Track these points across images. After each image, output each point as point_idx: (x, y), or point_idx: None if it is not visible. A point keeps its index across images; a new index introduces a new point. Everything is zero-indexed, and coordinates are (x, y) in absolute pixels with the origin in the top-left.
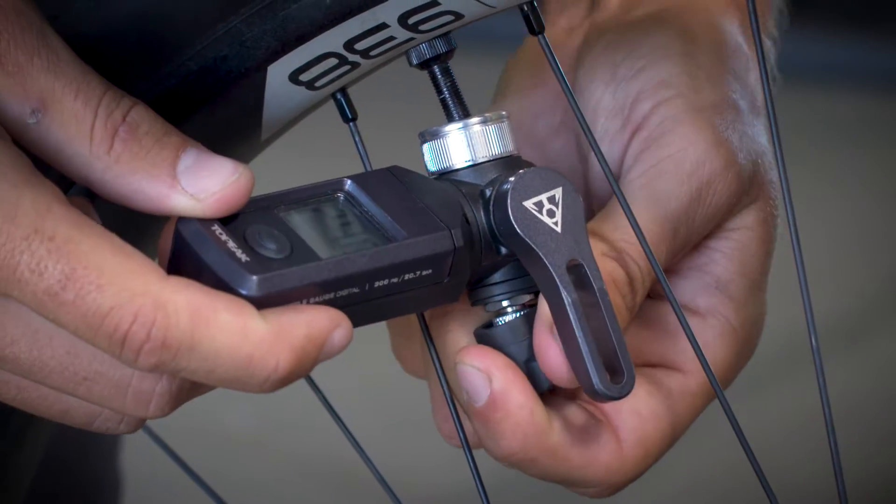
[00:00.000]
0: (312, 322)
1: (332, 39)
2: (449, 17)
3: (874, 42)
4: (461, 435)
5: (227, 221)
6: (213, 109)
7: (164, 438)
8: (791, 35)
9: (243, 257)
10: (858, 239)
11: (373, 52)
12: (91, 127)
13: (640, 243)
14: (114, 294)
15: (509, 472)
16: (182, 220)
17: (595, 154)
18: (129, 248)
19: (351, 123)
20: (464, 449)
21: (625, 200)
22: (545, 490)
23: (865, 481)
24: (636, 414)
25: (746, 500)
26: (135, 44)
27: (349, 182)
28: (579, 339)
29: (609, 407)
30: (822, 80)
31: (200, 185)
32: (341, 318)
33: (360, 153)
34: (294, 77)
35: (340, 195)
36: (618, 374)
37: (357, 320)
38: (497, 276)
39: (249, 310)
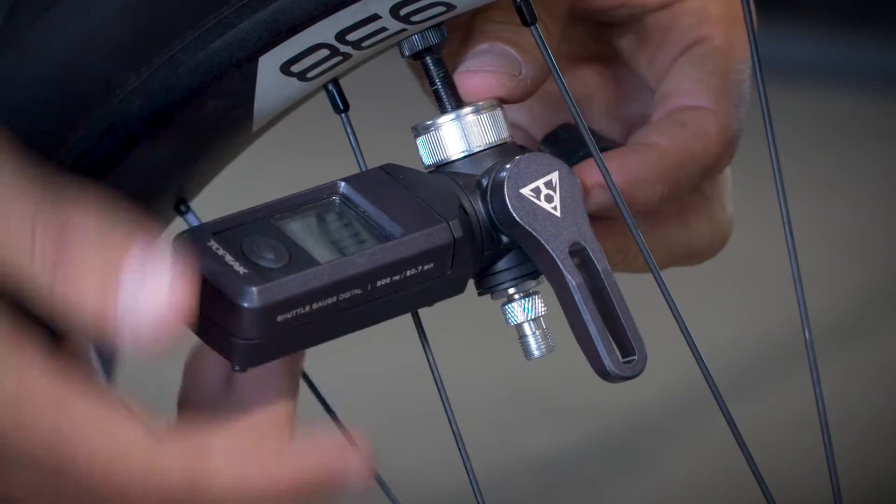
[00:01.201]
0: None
1: (324, 30)
2: (441, 9)
3: (870, 40)
4: (456, 435)
5: (223, 235)
6: (205, 101)
7: None
8: (788, 32)
9: (241, 270)
10: (855, 237)
11: (365, 44)
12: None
13: (620, 209)
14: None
15: (505, 472)
16: (178, 237)
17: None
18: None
19: (343, 115)
20: (459, 449)
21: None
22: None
23: (863, 480)
24: None
25: (743, 500)
26: (125, 34)
27: (343, 184)
28: (587, 322)
29: None
30: (817, 78)
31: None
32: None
33: (352, 145)
34: (285, 68)
35: (336, 198)
36: (629, 354)
37: (362, 321)
38: (501, 264)
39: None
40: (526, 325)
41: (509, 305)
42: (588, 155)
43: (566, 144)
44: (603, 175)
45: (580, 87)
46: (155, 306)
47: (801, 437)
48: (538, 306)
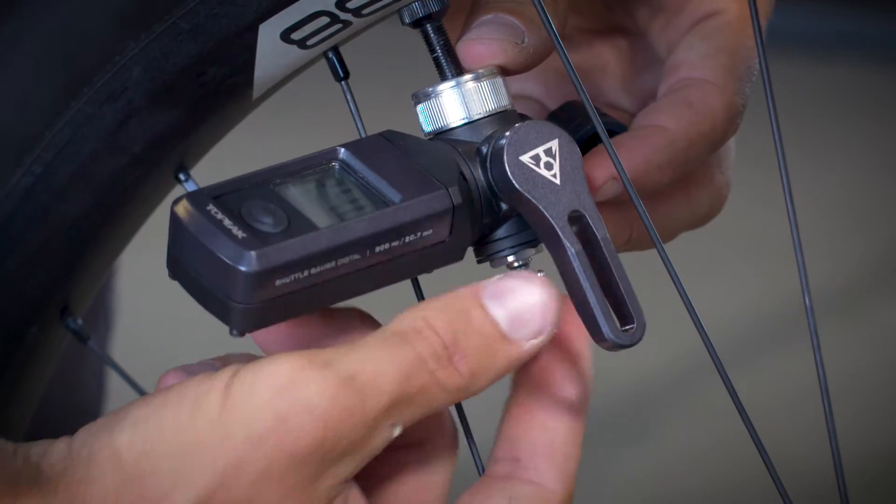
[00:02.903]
0: None
1: None
2: None
3: (871, 12)
4: (466, 431)
5: (222, 200)
6: (205, 68)
7: None
8: (789, 5)
9: (240, 234)
10: (856, 209)
11: (365, 11)
12: None
13: (626, 187)
14: None
15: None
16: (176, 201)
17: (592, 118)
18: None
19: (343, 82)
20: (459, 419)
21: (612, 149)
22: None
23: (864, 448)
24: None
25: (744, 469)
26: (126, 1)
27: (343, 150)
28: (586, 290)
29: None
30: (817, 48)
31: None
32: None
33: (352, 112)
34: (286, 36)
35: (335, 164)
36: (627, 322)
37: (362, 287)
38: (501, 232)
39: None
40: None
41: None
42: (593, 131)
43: (573, 121)
44: (615, 164)
45: (595, 59)
46: None
47: (802, 406)
48: None
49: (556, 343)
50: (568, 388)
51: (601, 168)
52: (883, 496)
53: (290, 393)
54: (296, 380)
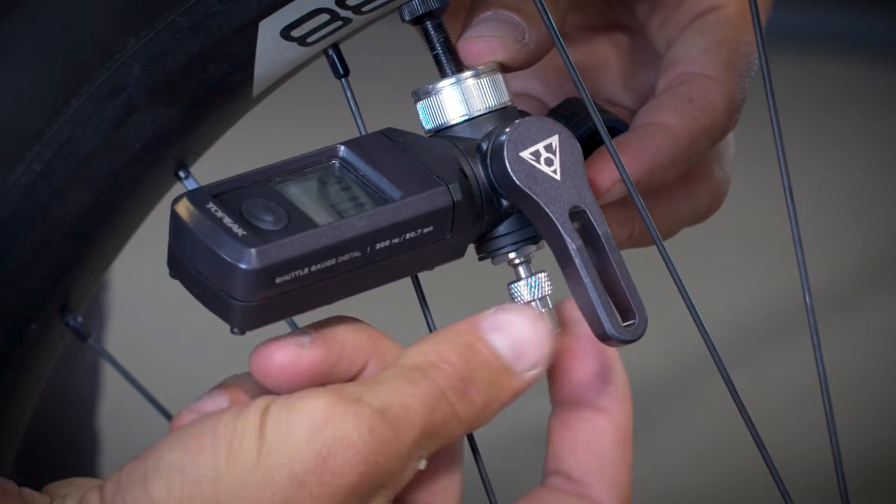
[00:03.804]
0: None
1: None
2: None
3: (870, 8)
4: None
5: (222, 198)
6: (205, 66)
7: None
8: (789, 0)
9: (240, 232)
10: (855, 206)
11: (365, 8)
12: None
13: (628, 188)
14: None
15: (503, 441)
16: (177, 200)
17: (592, 115)
18: None
19: (343, 80)
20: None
21: (614, 149)
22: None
23: (867, 449)
24: None
25: (744, 466)
26: (126, 0)
27: (343, 148)
28: (587, 286)
29: None
30: (817, 44)
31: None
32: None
33: (352, 110)
34: (286, 33)
35: (335, 162)
36: (629, 318)
37: (362, 284)
38: (502, 229)
39: None
40: (533, 305)
41: (516, 285)
42: (594, 128)
43: (573, 118)
44: (615, 162)
45: (595, 56)
46: None
47: (802, 404)
48: (545, 285)
49: (587, 354)
50: (605, 401)
51: (607, 172)
52: (884, 494)
53: (327, 430)
54: (331, 416)
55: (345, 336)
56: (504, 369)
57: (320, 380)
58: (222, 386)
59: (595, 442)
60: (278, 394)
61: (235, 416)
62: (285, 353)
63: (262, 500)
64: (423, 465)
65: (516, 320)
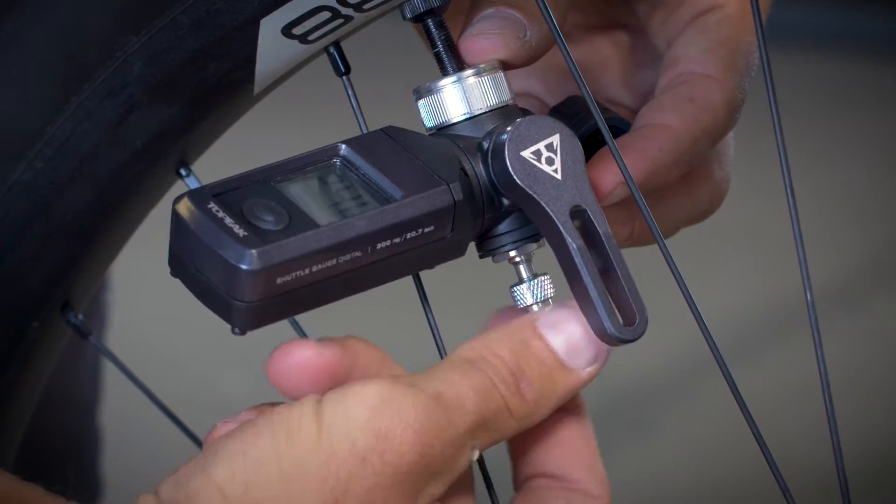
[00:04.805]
0: None
1: None
2: None
3: (871, 7)
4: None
5: (223, 198)
6: (206, 64)
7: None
8: (789, 0)
9: (241, 232)
10: (856, 204)
11: (366, 6)
12: None
13: (631, 189)
14: None
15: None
16: (178, 199)
17: (594, 113)
18: None
19: (344, 77)
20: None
21: (617, 150)
22: None
23: (868, 447)
24: None
25: (745, 464)
26: None
27: (344, 147)
28: (588, 285)
29: None
30: (818, 43)
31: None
32: None
33: (353, 108)
34: (287, 31)
35: (336, 161)
36: (630, 317)
37: (363, 284)
38: (502, 227)
39: None
40: (535, 308)
41: (518, 287)
42: (595, 126)
43: (575, 116)
44: (617, 162)
45: (595, 55)
46: None
47: (804, 402)
48: (547, 288)
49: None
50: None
51: (609, 174)
52: (884, 492)
53: (386, 410)
54: (388, 398)
55: (357, 345)
56: (558, 366)
57: (339, 382)
58: (254, 408)
59: (566, 437)
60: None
61: (289, 407)
62: (304, 351)
63: (327, 475)
64: (475, 455)
65: (572, 317)
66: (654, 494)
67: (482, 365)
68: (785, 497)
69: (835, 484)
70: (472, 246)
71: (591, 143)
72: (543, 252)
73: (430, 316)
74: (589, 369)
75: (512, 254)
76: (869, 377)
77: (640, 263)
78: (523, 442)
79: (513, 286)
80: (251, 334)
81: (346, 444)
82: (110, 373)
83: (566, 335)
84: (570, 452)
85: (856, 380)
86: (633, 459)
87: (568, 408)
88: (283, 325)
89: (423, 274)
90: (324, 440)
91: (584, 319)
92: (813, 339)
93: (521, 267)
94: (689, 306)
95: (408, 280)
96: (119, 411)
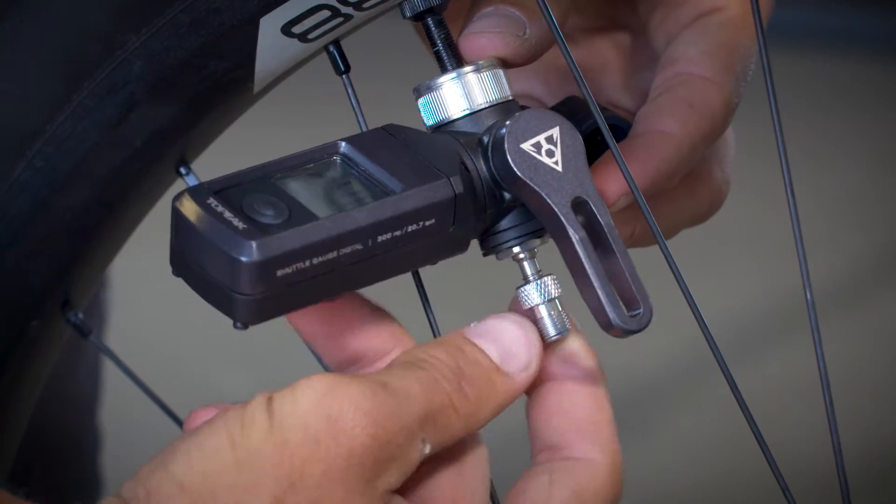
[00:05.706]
0: None
1: None
2: None
3: (871, 8)
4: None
5: (223, 194)
6: (206, 62)
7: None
8: (789, 1)
9: (241, 225)
10: (856, 203)
11: (366, 5)
12: None
13: (635, 196)
14: None
15: (506, 436)
16: (178, 196)
17: (594, 112)
18: None
19: (344, 76)
20: None
21: (618, 153)
22: None
23: (868, 446)
24: None
25: (745, 462)
26: None
27: (344, 144)
28: (591, 276)
29: None
30: (818, 42)
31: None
32: None
33: (353, 106)
34: (287, 29)
35: (336, 158)
36: (634, 308)
37: (365, 278)
38: (505, 223)
39: None
40: (542, 308)
41: (524, 288)
42: (595, 125)
43: (574, 115)
44: (619, 164)
45: (595, 56)
46: None
47: (804, 401)
48: (552, 288)
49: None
50: (567, 368)
51: (613, 184)
52: (885, 492)
53: (336, 395)
54: (335, 385)
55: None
56: (495, 369)
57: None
58: (214, 406)
59: (566, 404)
60: None
61: (241, 406)
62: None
63: (281, 461)
64: (427, 450)
65: (501, 325)
66: (655, 494)
67: (424, 364)
68: (785, 497)
69: (835, 484)
70: (474, 244)
71: (591, 144)
72: (548, 255)
73: (430, 316)
74: (524, 374)
75: (515, 250)
76: (869, 377)
77: (640, 263)
78: (532, 419)
79: (518, 287)
80: (251, 334)
81: (298, 431)
82: (110, 372)
83: (497, 341)
84: (570, 419)
85: (856, 380)
86: (633, 459)
87: (573, 375)
88: (284, 325)
89: (424, 271)
90: (276, 428)
91: (513, 325)
92: (813, 338)
93: (525, 264)
94: (690, 306)
95: (408, 278)
96: (119, 411)
